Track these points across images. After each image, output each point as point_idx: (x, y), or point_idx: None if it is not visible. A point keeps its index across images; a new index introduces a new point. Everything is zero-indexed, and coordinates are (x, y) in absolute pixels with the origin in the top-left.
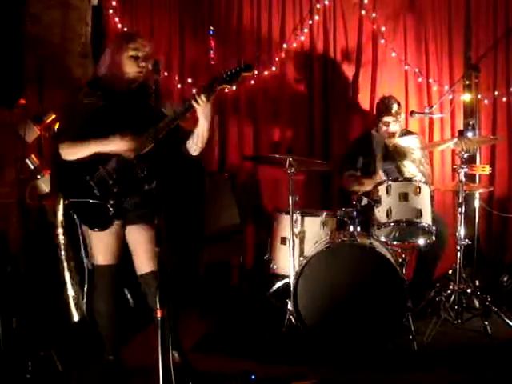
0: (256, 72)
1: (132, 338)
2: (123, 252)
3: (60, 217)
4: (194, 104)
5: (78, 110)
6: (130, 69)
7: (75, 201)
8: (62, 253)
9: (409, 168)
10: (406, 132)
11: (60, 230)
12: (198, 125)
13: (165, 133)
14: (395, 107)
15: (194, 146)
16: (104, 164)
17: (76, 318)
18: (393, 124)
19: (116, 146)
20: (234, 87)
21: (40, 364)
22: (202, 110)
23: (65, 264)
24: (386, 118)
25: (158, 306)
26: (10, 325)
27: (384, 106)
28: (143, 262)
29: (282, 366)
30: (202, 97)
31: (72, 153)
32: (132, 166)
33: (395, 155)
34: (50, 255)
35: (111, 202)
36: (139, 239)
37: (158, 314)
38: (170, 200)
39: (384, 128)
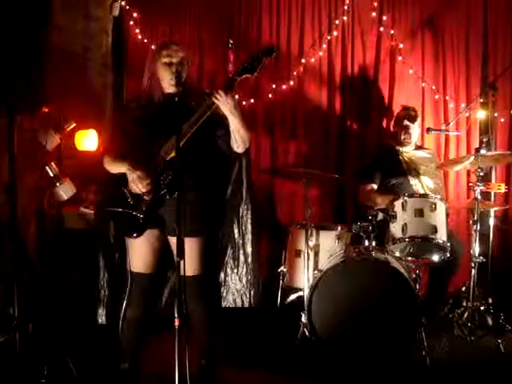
0: (274, 86)
1: (148, 344)
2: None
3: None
4: (214, 100)
5: (119, 123)
6: (165, 76)
7: (111, 210)
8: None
9: (426, 183)
10: (419, 147)
11: None
12: (229, 123)
13: (190, 135)
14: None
15: (235, 143)
16: None
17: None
18: (403, 135)
19: (129, 177)
20: (256, 74)
21: (55, 369)
22: (224, 105)
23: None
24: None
25: (176, 314)
26: (26, 330)
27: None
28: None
29: (294, 379)
30: (220, 92)
31: (110, 167)
32: (158, 174)
33: (411, 170)
34: (66, 261)
35: (142, 209)
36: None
37: (176, 323)
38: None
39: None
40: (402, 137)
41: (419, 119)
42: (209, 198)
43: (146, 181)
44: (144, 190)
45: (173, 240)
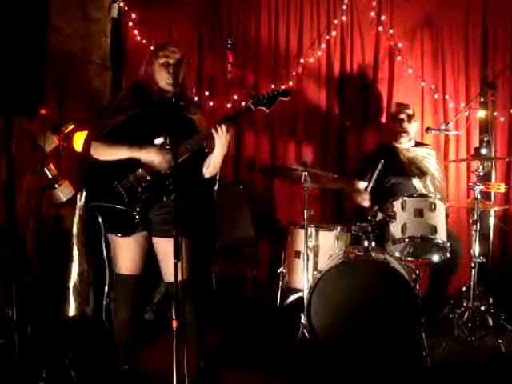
0: (273, 86)
1: (146, 347)
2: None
3: (76, 223)
4: (214, 133)
5: (114, 110)
6: (161, 76)
7: (101, 205)
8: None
9: (428, 181)
10: (420, 143)
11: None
12: (213, 152)
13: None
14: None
15: (207, 169)
16: (133, 170)
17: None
18: (399, 128)
19: (150, 157)
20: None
21: (54, 372)
22: (220, 139)
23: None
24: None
25: (173, 316)
26: (25, 332)
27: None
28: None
29: (294, 380)
30: (223, 127)
31: (103, 153)
32: (161, 175)
33: (412, 168)
34: (65, 263)
35: (138, 209)
36: (170, 250)
37: (174, 325)
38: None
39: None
40: (398, 130)
41: (412, 111)
42: (195, 201)
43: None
44: (167, 166)
45: (159, 241)
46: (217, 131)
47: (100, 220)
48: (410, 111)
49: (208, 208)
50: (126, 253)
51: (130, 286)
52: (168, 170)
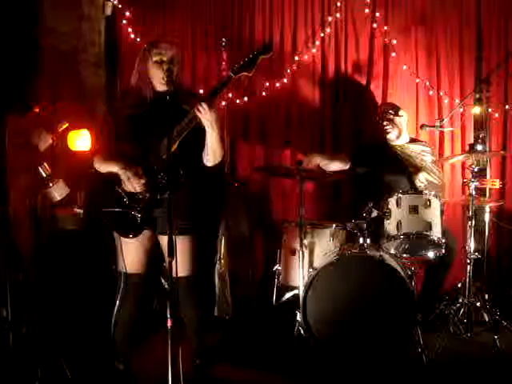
0: (267, 84)
1: (142, 345)
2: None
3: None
4: (197, 113)
5: (109, 123)
6: (156, 74)
7: (106, 210)
8: None
9: (425, 177)
10: (414, 140)
11: None
12: (206, 135)
13: (177, 143)
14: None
15: (207, 156)
16: None
17: None
18: (384, 123)
19: (120, 172)
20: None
21: (49, 371)
22: (205, 118)
23: None
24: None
25: (168, 315)
26: (20, 331)
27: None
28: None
29: (290, 377)
30: (204, 105)
31: (100, 167)
32: (155, 174)
33: (407, 164)
34: (60, 262)
35: (138, 208)
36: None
37: (169, 324)
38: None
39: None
40: (385, 126)
41: (394, 105)
42: (202, 197)
43: (142, 179)
44: (139, 189)
45: (162, 239)
46: (199, 111)
47: (107, 225)
48: (393, 106)
49: (216, 200)
50: (130, 252)
51: (135, 284)
52: (142, 193)
